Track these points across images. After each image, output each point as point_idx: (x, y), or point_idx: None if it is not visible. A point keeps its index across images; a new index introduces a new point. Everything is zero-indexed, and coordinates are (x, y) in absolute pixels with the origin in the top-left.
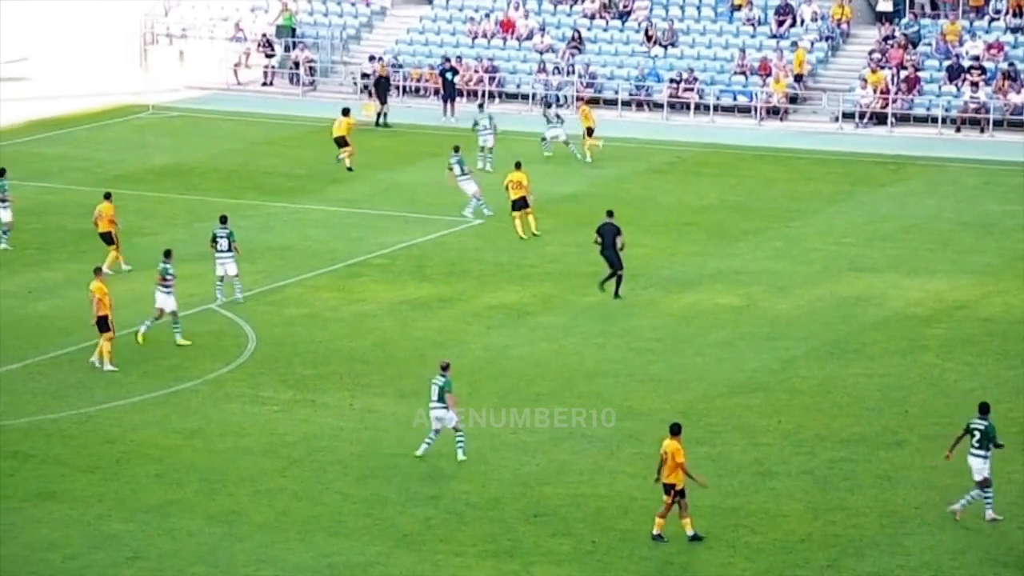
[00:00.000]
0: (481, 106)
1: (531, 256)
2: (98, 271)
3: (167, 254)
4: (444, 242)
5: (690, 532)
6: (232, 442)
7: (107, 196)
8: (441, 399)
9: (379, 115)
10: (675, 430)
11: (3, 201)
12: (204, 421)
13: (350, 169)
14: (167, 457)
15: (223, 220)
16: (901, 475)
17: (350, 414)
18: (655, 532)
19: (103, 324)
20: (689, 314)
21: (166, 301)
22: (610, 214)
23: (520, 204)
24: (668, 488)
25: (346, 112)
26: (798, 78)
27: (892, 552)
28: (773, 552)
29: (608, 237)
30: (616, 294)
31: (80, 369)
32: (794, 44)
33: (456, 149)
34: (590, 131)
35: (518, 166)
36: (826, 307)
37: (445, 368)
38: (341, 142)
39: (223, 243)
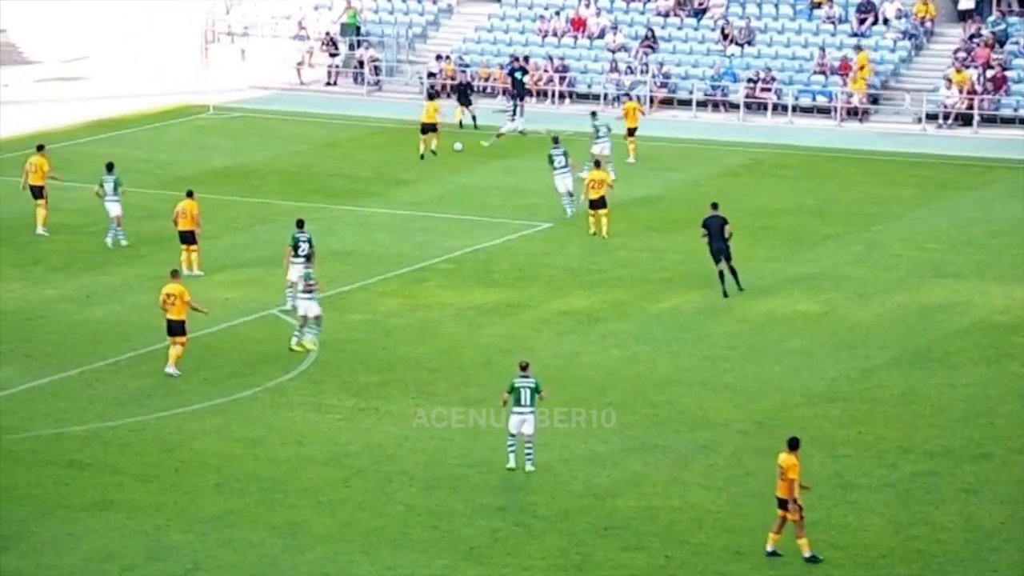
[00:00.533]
0: (594, 113)
1: (602, 261)
2: (175, 273)
3: (308, 259)
4: (512, 246)
5: (769, 548)
6: (294, 451)
7: (190, 194)
8: (532, 402)
9: (472, 118)
10: (793, 444)
11: (114, 195)
12: (265, 430)
13: (434, 152)
14: (227, 466)
15: (301, 224)
16: (986, 488)
17: (415, 423)
18: (768, 548)
19: (178, 329)
20: (766, 321)
21: (309, 307)
22: (715, 206)
23: (599, 204)
24: (782, 502)
25: (432, 97)
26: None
27: (977, 568)
28: (853, 567)
29: (715, 228)
30: (739, 287)
31: (139, 376)
32: (858, 47)
33: (556, 140)
34: (631, 131)
35: (597, 164)
36: (908, 314)
37: (525, 368)
38: (428, 128)
39: (304, 248)
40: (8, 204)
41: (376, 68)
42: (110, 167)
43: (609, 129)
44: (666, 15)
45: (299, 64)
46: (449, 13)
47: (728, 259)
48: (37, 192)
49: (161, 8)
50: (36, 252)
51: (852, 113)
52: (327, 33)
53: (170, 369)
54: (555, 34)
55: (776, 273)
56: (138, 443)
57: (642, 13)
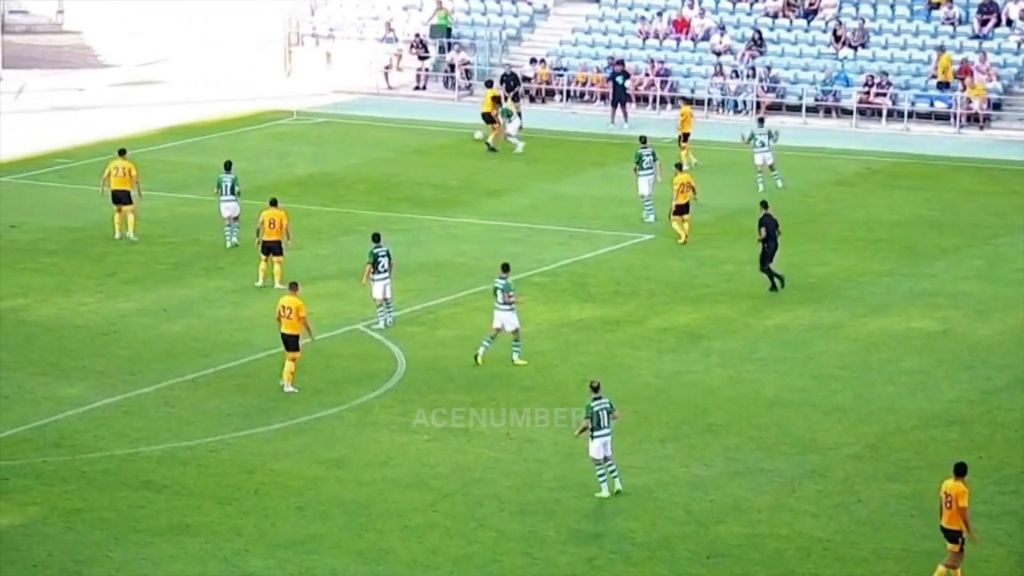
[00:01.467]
0: (762, 120)
1: (705, 275)
2: (294, 286)
3: (505, 268)
4: (610, 259)
5: None
6: (379, 473)
7: (273, 203)
8: (609, 423)
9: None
10: (959, 471)
11: (231, 194)
12: (349, 450)
13: (493, 149)
14: (309, 489)
15: (377, 238)
16: None
17: (507, 444)
18: None
19: (292, 343)
20: (879, 339)
21: (507, 319)
22: (765, 205)
23: (684, 209)
24: (950, 535)
25: (490, 84)
26: (944, 85)
27: None
28: None
29: (771, 228)
30: (782, 283)
31: (217, 393)
32: (941, 48)
33: (643, 140)
34: (685, 136)
35: (679, 168)
36: None
37: (597, 388)
38: (487, 118)
39: (384, 263)
40: (83, 213)
41: (468, 72)
42: (228, 165)
43: (771, 136)
44: (775, 16)
45: (387, 68)
46: (545, 14)
47: (771, 260)
48: (124, 197)
49: (242, 9)
50: (111, 264)
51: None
52: (416, 35)
53: (287, 388)
54: (656, 36)
55: (890, 288)
56: (216, 464)
57: (749, 14)
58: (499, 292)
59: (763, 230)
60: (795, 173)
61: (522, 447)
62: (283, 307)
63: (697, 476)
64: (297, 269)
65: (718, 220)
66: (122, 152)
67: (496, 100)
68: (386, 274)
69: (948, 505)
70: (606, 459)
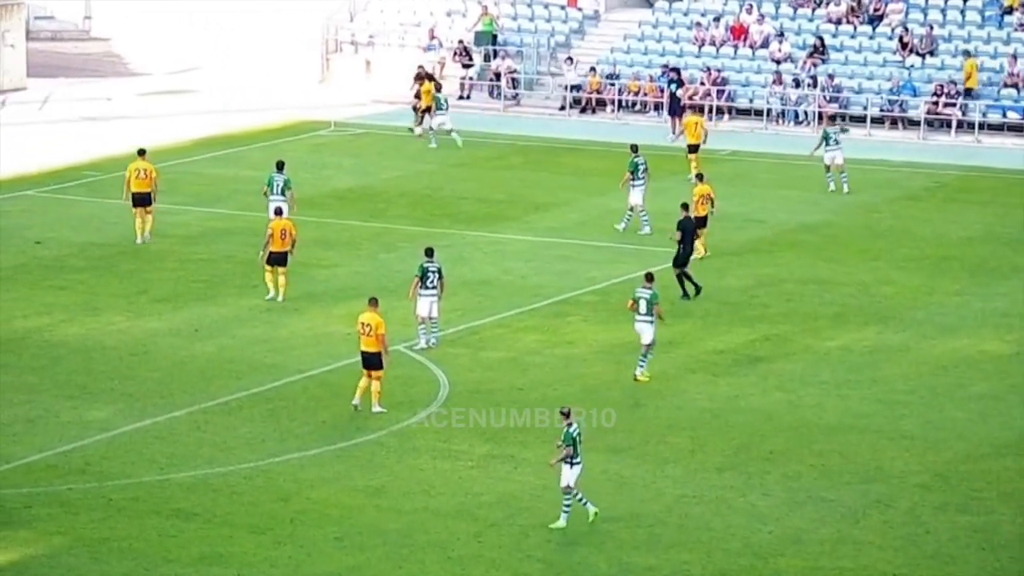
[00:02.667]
0: (833, 118)
1: (763, 294)
2: (374, 301)
3: (649, 277)
4: (663, 277)
5: None
6: (421, 502)
7: (278, 212)
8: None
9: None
10: None
11: (281, 196)
12: (389, 478)
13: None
14: (348, 518)
15: (429, 253)
16: None
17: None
18: None
19: (374, 361)
20: (948, 363)
21: (645, 331)
22: (685, 207)
23: (702, 222)
24: None
25: (430, 78)
26: (968, 92)
27: None
28: None
29: (688, 231)
30: (696, 291)
31: (251, 418)
32: (966, 52)
33: (635, 149)
34: (694, 148)
35: (700, 178)
36: None
37: (568, 415)
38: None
39: (433, 278)
40: (112, 228)
41: (514, 80)
42: (280, 166)
43: (843, 131)
44: (838, 22)
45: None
46: (596, 20)
47: (686, 264)
48: (144, 199)
49: (278, 15)
50: (141, 281)
51: None
52: (460, 42)
53: (374, 406)
54: (713, 43)
55: (960, 309)
56: (250, 491)
57: (811, 20)
58: (642, 303)
59: (679, 233)
60: (859, 187)
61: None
62: (363, 324)
63: (756, 506)
64: (334, 287)
65: (777, 236)
66: (141, 152)
67: (437, 88)
68: (434, 291)
69: None
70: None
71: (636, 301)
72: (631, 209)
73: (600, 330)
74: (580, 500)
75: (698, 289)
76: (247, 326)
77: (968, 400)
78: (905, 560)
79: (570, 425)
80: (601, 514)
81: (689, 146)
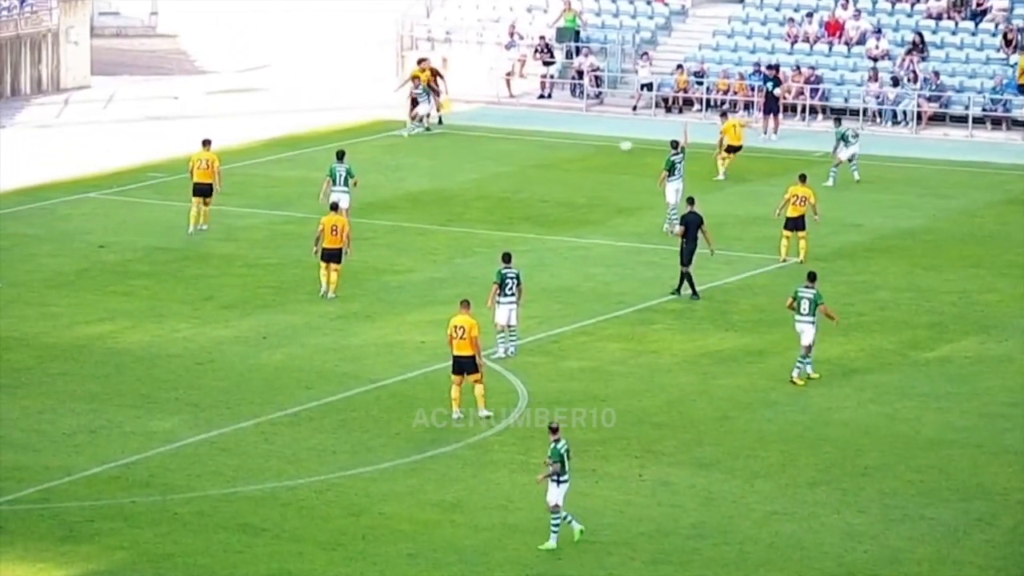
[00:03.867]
0: (838, 120)
1: (859, 302)
2: (466, 303)
3: (811, 277)
4: (753, 283)
5: None
6: (498, 518)
7: (334, 207)
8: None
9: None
10: None
11: (343, 186)
12: (465, 492)
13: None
14: (422, 534)
15: (507, 259)
16: None
17: (639, 486)
18: None
19: (470, 366)
20: None
21: (807, 332)
22: (691, 201)
23: (797, 224)
24: None
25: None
26: (1021, 88)
27: None
28: None
29: (693, 226)
30: (694, 293)
31: (321, 429)
32: (1019, 49)
33: (675, 145)
34: (732, 149)
35: (803, 179)
36: None
37: (556, 431)
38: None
39: (511, 285)
40: (177, 232)
41: (597, 79)
42: (340, 155)
43: (856, 134)
44: (938, 17)
45: (508, 74)
46: (683, 16)
47: (689, 263)
48: (206, 190)
49: (351, 11)
50: (207, 287)
51: None
52: (541, 38)
53: (480, 411)
54: (807, 39)
55: None
56: (320, 506)
57: (910, 15)
58: (804, 302)
59: (683, 227)
60: (961, 190)
61: (655, 490)
62: (455, 327)
63: (850, 524)
64: (409, 294)
65: (873, 241)
66: (206, 143)
67: (434, 73)
68: (513, 298)
69: None
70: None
71: (797, 300)
72: (668, 205)
73: (685, 339)
74: (566, 519)
75: (693, 291)
76: (317, 334)
77: None
78: None
79: (557, 441)
80: (687, 531)
81: (729, 147)
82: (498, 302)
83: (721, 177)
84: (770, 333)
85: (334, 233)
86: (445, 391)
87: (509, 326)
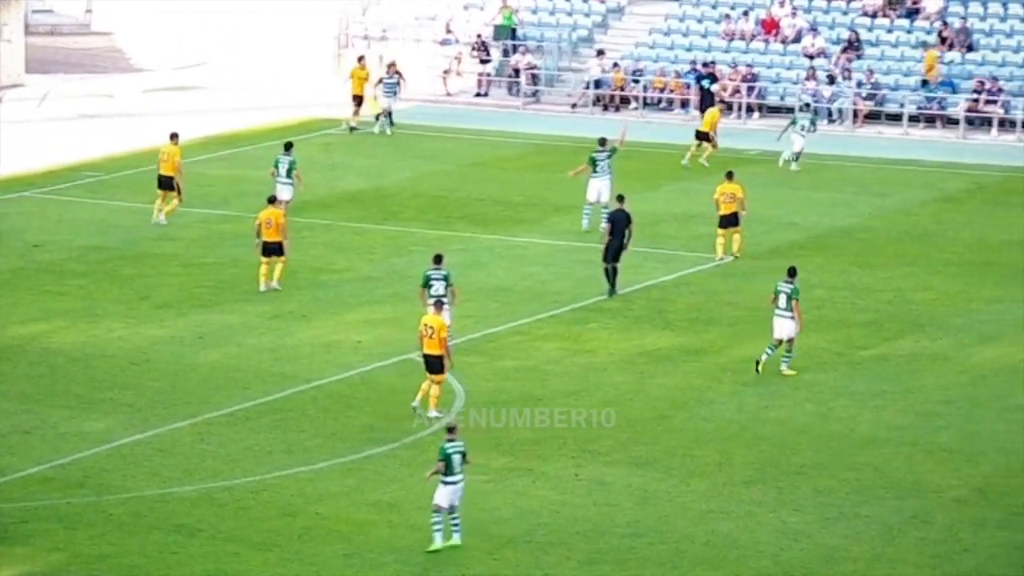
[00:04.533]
0: (807, 105)
1: None
2: (439, 304)
3: (791, 272)
4: (689, 282)
5: None
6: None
7: (271, 200)
8: (462, 469)
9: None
10: None
11: (287, 178)
12: (402, 492)
13: (354, 128)
14: (358, 534)
15: (437, 260)
16: None
17: (575, 486)
18: None
19: (436, 364)
20: (988, 372)
21: (787, 327)
22: (621, 199)
23: (730, 221)
24: None
25: (360, 59)
26: (924, 83)
27: None
28: None
29: (620, 224)
30: (613, 290)
31: (257, 429)
32: (923, 44)
33: (603, 142)
34: (703, 136)
35: (730, 176)
36: None
37: (452, 430)
38: (358, 100)
39: (438, 287)
40: (113, 231)
41: (534, 77)
42: (288, 146)
43: (813, 123)
44: (873, 15)
45: (445, 72)
46: (619, 14)
47: (616, 259)
48: (164, 183)
49: (287, 9)
50: (143, 286)
51: None
52: (478, 36)
53: (430, 411)
54: (743, 37)
55: (1001, 316)
56: (256, 506)
57: (845, 13)
58: (782, 297)
59: (610, 224)
60: (895, 189)
61: (592, 489)
62: (426, 325)
63: (786, 522)
64: (345, 294)
65: (809, 239)
66: (173, 136)
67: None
68: (437, 300)
69: None
70: (452, 508)
71: (776, 295)
72: (592, 204)
73: (621, 338)
74: (454, 523)
75: (613, 289)
76: (253, 334)
77: (1009, 411)
78: None
79: (451, 441)
80: (623, 531)
81: (698, 132)
82: (427, 304)
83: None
84: (706, 332)
85: (268, 226)
86: (382, 391)
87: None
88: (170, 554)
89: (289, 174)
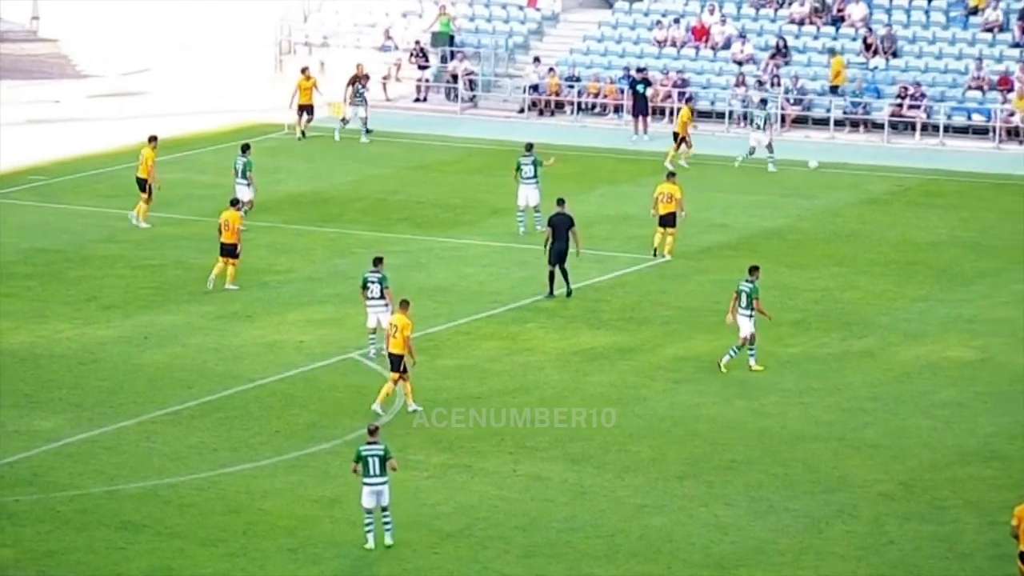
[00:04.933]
0: (764, 101)
1: (724, 300)
2: (404, 304)
3: (752, 270)
4: (623, 283)
5: None
6: (376, 513)
7: (234, 203)
8: (382, 471)
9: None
10: None
11: (242, 178)
12: (344, 488)
13: (304, 135)
14: (301, 530)
15: (376, 262)
16: None
17: (513, 482)
18: None
19: (399, 363)
20: (912, 369)
21: (747, 325)
22: (561, 202)
23: (666, 221)
24: None
25: (304, 70)
26: (833, 89)
27: None
28: None
29: (561, 229)
30: (550, 294)
31: (202, 427)
32: (830, 50)
33: (529, 147)
34: (679, 139)
35: (670, 177)
36: None
37: (373, 432)
38: (308, 109)
39: (375, 289)
40: (60, 234)
41: (471, 83)
42: (244, 148)
43: (767, 119)
44: (800, 23)
45: (384, 78)
46: (555, 21)
47: (563, 261)
48: (140, 184)
49: (231, 16)
50: (89, 288)
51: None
52: (416, 43)
53: (410, 405)
54: (674, 44)
55: (925, 315)
56: (201, 503)
57: (773, 21)
58: (743, 296)
59: (550, 228)
60: (823, 191)
61: (529, 485)
62: (391, 325)
63: (717, 516)
64: (288, 294)
65: (739, 240)
66: (150, 139)
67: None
68: (379, 301)
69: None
70: (384, 509)
71: (738, 294)
72: (524, 210)
73: (558, 337)
74: (385, 524)
75: (568, 289)
76: (198, 334)
77: (933, 407)
78: (868, 570)
79: (369, 444)
80: (559, 525)
81: (674, 134)
82: (367, 306)
83: (668, 165)
84: (640, 331)
85: (226, 228)
86: (324, 389)
87: (378, 329)
88: (117, 550)
89: (245, 174)
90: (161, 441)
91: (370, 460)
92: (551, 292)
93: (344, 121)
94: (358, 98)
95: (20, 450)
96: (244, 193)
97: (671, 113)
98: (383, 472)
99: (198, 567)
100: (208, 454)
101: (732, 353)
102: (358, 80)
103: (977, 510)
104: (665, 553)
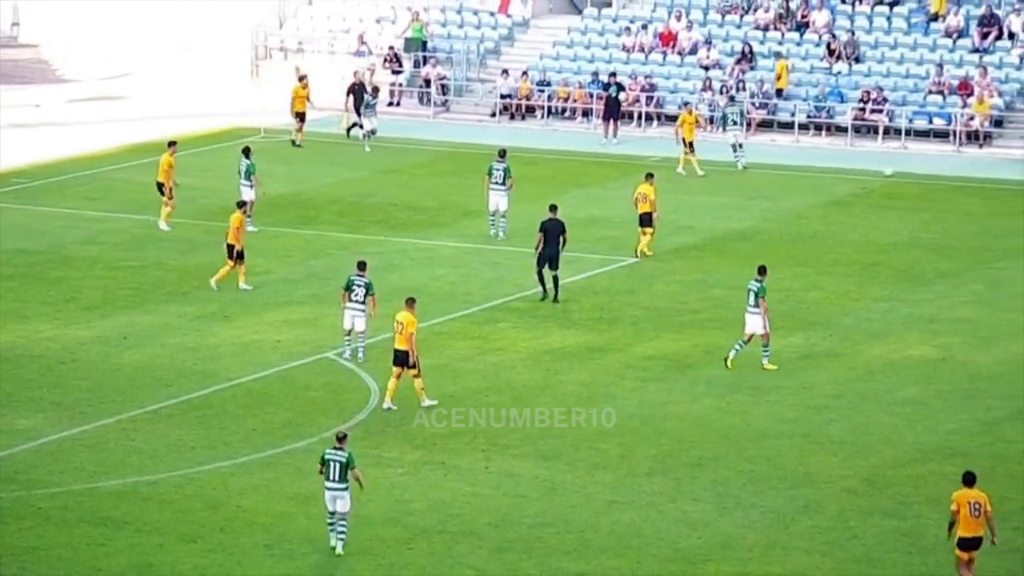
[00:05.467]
0: (732, 98)
1: (693, 300)
2: (411, 301)
3: (761, 271)
4: (593, 283)
5: None
6: (351, 509)
7: (241, 205)
8: (342, 478)
9: (351, 127)
10: (968, 481)
11: (246, 180)
12: (319, 486)
13: (298, 145)
14: (277, 526)
15: (361, 267)
16: None
17: (485, 478)
18: None
19: (404, 359)
20: (875, 367)
21: (757, 324)
22: (553, 208)
23: (644, 220)
24: (966, 543)
25: (302, 78)
26: (778, 92)
27: None
28: None
29: (553, 235)
30: (544, 296)
31: (181, 425)
32: (777, 55)
33: (502, 153)
34: (689, 145)
35: (649, 177)
36: None
37: (341, 439)
38: (302, 117)
39: (359, 292)
40: (40, 236)
41: (444, 87)
42: (246, 151)
43: (743, 115)
44: (765, 29)
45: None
46: (525, 27)
47: (555, 267)
48: (159, 188)
49: (209, 22)
50: (69, 289)
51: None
52: (390, 48)
53: (425, 402)
54: (642, 49)
55: (887, 314)
56: (180, 500)
57: (739, 27)
58: (751, 294)
59: (541, 234)
60: (787, 193)
61: (501, 481)
62: (396, 322)
63: (685, 512)
64: (265, 295)
65: (706, 241)
66: (169, 144)
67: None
68: (360, 305)
69: (976, 513)
70: (341, 517)
71: (748, 293)
72: (494, 215)
73: (530, 337)
74: (339, 531)
75: (555, 296)
76: (176, 334)
77: (895, 405)
78: (833, 565)
79: (334, 449)
80: (531, 521)
81: (684, 142)
82: (345, 307)
83: (680, 171)
84: (610, 330)
85: (229, 229)
86: (299, 388)
87: (359, 332)
88: (97, 546)
89: (248, 177)
90: (140, 439)
91: (332, 464)
92: (544, 291)
93: (360, 127)
94: (368, 109)
95: (1, 448)
96: (246, 195)
97: (639, 117)
98: (343, 479)
99: (177, 563)
100: (186, 452)
101: (738, 347)
102: (362, 88)
103: (939, 505)
104: (634, 548)
